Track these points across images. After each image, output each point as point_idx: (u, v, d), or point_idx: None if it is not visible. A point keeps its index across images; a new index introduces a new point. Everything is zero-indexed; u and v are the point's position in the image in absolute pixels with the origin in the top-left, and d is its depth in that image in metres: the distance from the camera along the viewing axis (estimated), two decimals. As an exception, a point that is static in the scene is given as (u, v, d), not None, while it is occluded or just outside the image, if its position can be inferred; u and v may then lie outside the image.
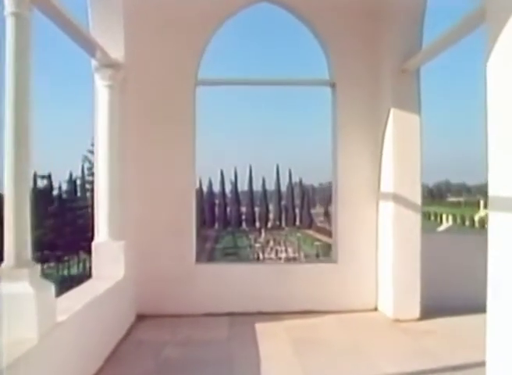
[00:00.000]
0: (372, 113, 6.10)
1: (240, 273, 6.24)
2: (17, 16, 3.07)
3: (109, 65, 5.18)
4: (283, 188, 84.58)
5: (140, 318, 5.74)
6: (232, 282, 6.10)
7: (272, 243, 68.38)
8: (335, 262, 6.27)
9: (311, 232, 76.16)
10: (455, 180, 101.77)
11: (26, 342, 2.85)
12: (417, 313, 5.63)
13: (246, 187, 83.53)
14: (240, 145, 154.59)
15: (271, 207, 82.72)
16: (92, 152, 35.34)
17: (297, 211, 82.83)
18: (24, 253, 3.07)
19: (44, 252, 46.50)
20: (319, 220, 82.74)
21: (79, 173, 59.70)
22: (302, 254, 62.18)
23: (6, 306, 2.90)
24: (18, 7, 3.07)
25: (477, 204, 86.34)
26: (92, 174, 35.21)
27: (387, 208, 5.85)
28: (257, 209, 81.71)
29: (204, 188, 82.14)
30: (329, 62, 6.25)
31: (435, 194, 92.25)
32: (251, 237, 72.91)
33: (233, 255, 59.85)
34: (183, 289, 5.98)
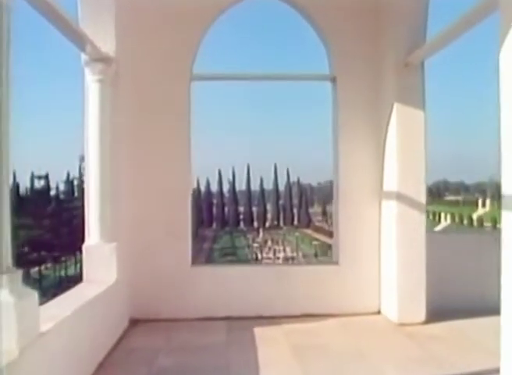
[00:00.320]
0: (374, 109, 5.87)
1: (238, 276, 6.02)
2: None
3: (100, 59, 4.94)
4: (281, 188, 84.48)
5: (134, 323, 5.51)
6: (230, 285, 5.88)
7: (270, 243, 68.31)
8: (336, 263, 6.05)
9: (309, 231, 76.14)
10: (453, 178, 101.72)
11: (6, 355, 2.63)
12: (422, 316, 5.41)
13: (244, 187, 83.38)
14: (237, 144, 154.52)
15: (269, 206, 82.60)
16: (88, 152, 34.96)
17: (295, 210, 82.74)
18: (4, 258, 2.84)
19: (42, 253, 46.34)
20: (317, 220, 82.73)
21: (76, 173, 59.52)
22: (300, 253, 62.14)
23: (-17, 316, 2.67)
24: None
25: (475, 202, 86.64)
26: (89, 174, 34.81)
27: (390, 207, 5.63)
28: (255, 209, 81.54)
29: (202, 188, 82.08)
30: (329, 55, 6.02)
31: (433, 193, 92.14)
32: (249, 236, 72.82)
33: (232, 255, 59.74)
34: (179, 292, 5.76)
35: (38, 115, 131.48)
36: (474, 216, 79.25)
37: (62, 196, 57.37)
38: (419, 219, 5.49)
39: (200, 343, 4.97)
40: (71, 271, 44.47)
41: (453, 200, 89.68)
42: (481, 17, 4.19)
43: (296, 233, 70.62)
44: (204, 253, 61.15)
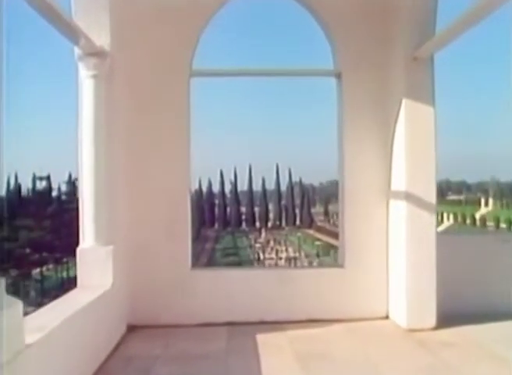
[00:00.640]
0: (382, 105, 5.62)
1: (240, 279, 5.78)
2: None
3: (94, 53, 4.72)
4: (283, 188, 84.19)
5: (131, 329, 5.28)
6: (231, 289, 5.65)
7: (272, 243, 68.13)
8: (341, 266, 5.81)
9: (311, 232, 75.85)
10: (455, 177, 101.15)
11: (-15, 371, 2.40)
12: (433, 322, 5.16)
13: (245, 187, 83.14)
14: (238, 144, 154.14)
15: (271, 207, 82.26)
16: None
17: (297, 210, 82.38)
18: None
19: (43, 254, 46.19)
20: (319, 220, 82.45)
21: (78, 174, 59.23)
22: (303, 254, 61.91)
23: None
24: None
25: (478, 202, 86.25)
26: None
27: (399, 207, 5.39)
28: (257, 209, 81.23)
29: (204, 188, 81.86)
30: (334, 50, 5.77)
31: (436, 193, 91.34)
32: (251, 237, 72.61)
33: (234, 255, 59.54)
34: (178, 297, 5.52)
35: (40, 114, 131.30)
36: (477, 216, 78.93)
37: (63, 197, 57.25)
38: (429, 220, 5.25)
39: (200, 351, 4.72)
40: (72, 272, 44.27)
41: (456, 199, 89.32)
42: (494, 7, 3.96)
43: (299, 234, 70.38)
44: (206, 253, 60.98)
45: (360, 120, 5.72)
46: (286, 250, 64.23)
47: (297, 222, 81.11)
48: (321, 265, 33.84)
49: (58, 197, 56.65)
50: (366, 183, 5.73)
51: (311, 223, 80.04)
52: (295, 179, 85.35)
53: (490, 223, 73.99)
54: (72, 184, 60.30)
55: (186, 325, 5.39)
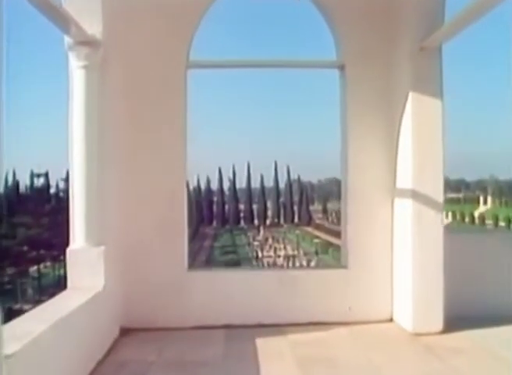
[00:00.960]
0: (387, 98, 5.38)
1: (238, 281, 5.55)
2: None
3: (85, 42, 4.46)
4: (282, 185, 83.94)
5: (125, 332, 5.04)
6: (229, 290, 5.41)
7: (270, 240, 67.94)
8: (344, 267, 5.58)
9: (309, 229, 75.71)
10: (453, 175, 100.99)
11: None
12: (440, 325, 4.93)
13: (244, 185, 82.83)
14: (237, 142, 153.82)
15: (269, 204, 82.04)
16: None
17: (296, 208, 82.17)
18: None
19: (40, 252, 45.94)
20: (317, 217, 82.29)
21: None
22: (301, 251, 61.75)
23: None
24: None
25: (476, 200, 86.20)
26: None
27: (404, 206, 5.16)
28: (255, 207, 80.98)
29: (202, 186, 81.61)
30: (337, 41, 5.52)
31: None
32: (250, 234, 72.41)
33: (232, 253, 59.36)
34: (174, 299, 5.29)
35: (38, 111, 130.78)
36: (476, 214, 78.83)
37: (61, 194, 56.95)
38: (436, 219, 5.01)
39: (197, 356, 4.49)
40: (70, 270, 44.03)
41: (454, 197, 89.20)
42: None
43: (297, 231, 70.20)
44: (205, 251, 60.80)
45: (364, 114, 5.48)
46: (285, 248, 64.04)
47: (296, 219, 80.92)
48: (320, 263, 33.60)
49: (56, 194, 56.39)
50: (370, 180, 5.50)
51: (309, 221, 79.88)
52: (294, 176, 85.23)
53: (489, 222, 73.92)
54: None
55: (182, 328, 5.16)
